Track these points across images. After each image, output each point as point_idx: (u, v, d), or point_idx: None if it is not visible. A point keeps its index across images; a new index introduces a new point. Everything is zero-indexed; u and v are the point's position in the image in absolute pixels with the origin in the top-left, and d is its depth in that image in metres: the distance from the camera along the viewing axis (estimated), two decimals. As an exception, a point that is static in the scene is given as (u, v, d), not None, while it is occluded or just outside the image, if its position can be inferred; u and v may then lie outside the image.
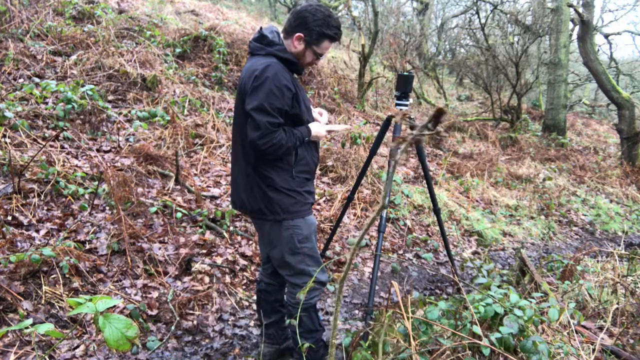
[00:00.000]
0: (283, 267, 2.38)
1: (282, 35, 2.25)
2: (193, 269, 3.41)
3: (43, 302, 2.79)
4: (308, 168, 2.32)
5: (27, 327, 1.28)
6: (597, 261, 3.96)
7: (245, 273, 3.60)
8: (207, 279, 3.37)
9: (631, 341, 2.56)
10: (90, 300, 1.29)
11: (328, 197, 4.91)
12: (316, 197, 4.80)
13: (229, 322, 3.12)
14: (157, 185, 4.22)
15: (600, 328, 2.67)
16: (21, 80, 4.90)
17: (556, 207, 6.49)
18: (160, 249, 3.47)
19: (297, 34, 2.17)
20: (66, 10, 6.49)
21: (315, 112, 2.41)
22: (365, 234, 1.29)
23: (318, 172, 5.41)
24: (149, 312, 2.97)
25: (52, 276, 2.93)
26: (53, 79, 5.05)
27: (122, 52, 5.87)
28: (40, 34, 5.76)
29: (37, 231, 3.27)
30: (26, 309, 2.71)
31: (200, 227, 3.85)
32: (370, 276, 3.69)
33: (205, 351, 2.82)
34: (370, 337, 2.17)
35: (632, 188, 7.92)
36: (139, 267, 3.29)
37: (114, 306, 2.80)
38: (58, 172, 3.78)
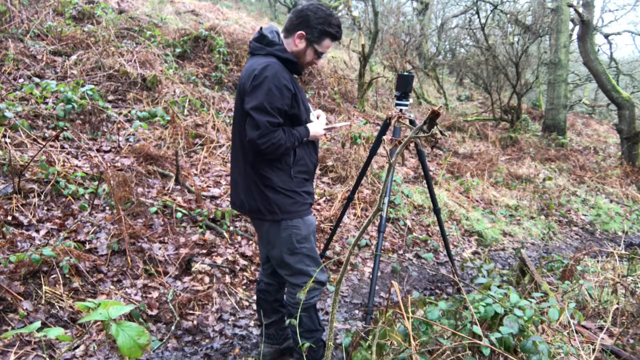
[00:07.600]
0: (282, 267, 2.38)
1: (282, 34, 2.25)
2: (193, 269, 3.41)
3: (43, 302, 2.79)
4: (307, 168, 2.31)
5: (37, 331, 1.26)
6: (597, 261, 3.95)
7: (245, 273, 3.60)
8: (207, 279, 3.37)
9: (631, 341, 2.56)
10: (99, 305, 1.26)
11: (328, 197, 4.91)
12: (316, 197, 4.79)
13: (229, 322, 3.12)
14: (157, 185, 4.22)
15: (600, 328, 2.67)
16: (21, 80, 4.90)
17: (556, 207, 6.49)
18: (160, 249, 3.47)
19: (299, 32, 2.18)
20: (66, 10, 6.49)
21: (314, 115, 2.41)
22: (364, 235, 1.29)
23: (318, 172, 5.41)
24: (149, 312, 2.97)
25: (52, 276, 2.93)
26: (53, 79, 5.05)
27: (122, 52, 5.87)
28: (40, 34, 5.76)
29: (37, 231, 3.27)
30: (26, 309, 2.71)
31: (200, 227, 3.85)
32: (370, 276, 3.69)
33: (205, 351, 2.82)
34: (370, 337, 2.17)
35: (632, 188, 7.91)
36: (139, 267, 3.29)
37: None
38: (58, 172, 3.78)
